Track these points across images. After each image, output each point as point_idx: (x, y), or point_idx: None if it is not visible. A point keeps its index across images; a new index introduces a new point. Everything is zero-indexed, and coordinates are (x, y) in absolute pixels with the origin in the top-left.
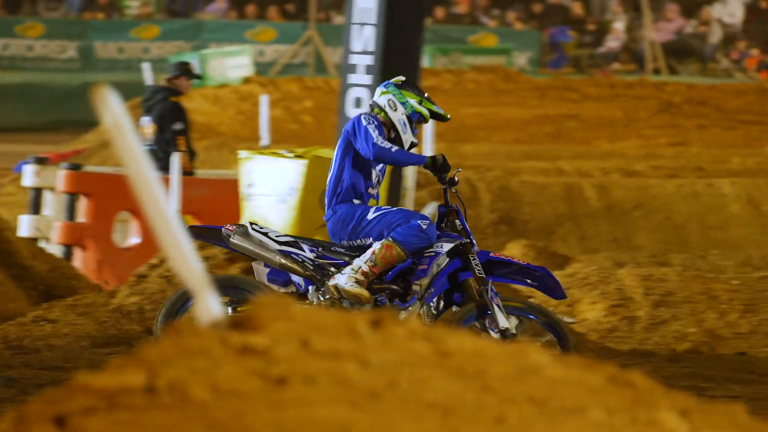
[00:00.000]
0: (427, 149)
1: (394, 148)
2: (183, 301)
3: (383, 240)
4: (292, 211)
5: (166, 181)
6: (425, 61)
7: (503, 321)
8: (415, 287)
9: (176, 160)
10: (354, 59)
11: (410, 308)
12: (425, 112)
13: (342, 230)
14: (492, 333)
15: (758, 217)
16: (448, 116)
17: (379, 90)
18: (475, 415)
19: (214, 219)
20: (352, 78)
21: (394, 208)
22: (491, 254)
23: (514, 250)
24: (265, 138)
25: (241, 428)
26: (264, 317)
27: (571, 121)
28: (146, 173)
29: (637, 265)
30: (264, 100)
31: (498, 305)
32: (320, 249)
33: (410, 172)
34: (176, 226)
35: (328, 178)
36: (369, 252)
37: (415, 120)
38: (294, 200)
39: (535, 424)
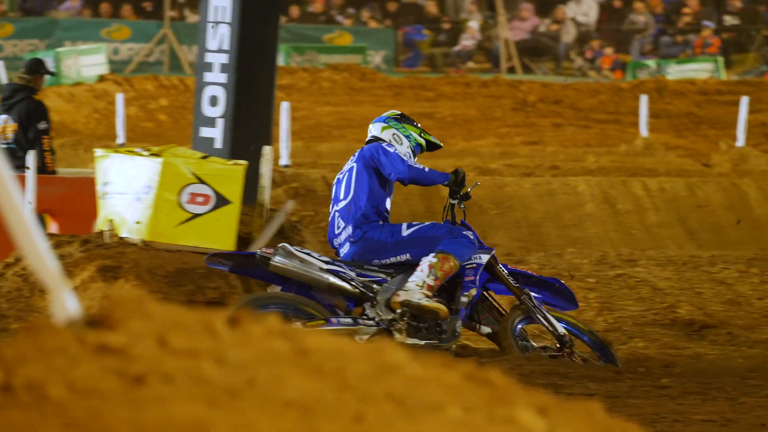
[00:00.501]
0: (283, 147)
1: (426, 168)
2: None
3: (437, 253)
4: (148, 209)
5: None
6: (280, 60)
7: (560, 327)
8: (464, 299)
9: (32, 158)
10: (209, 57)
11: (461, 321)
12: (424, 143)
13: (376, 250)
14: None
15: (613, 215)
16: (441, 144)
17: (378, 125)
18: (334, 414)
19: (70, 218)
20: (208, 76)
21: (425, 224)
22: (509, 266)
23: None
24: (120, 136)
25: (99, 427)
26: (121, 315)
27: (427, 120)
28: (0, 171)
29: None
30: (119, 99)
31: (546, 313)
32: (356, 268)
33: (266, 171)
34: (31, 224)
35: (345, 204)
36: (425, 266)
37: (418, 152)
38: (150, 198)
39: (394, 423)
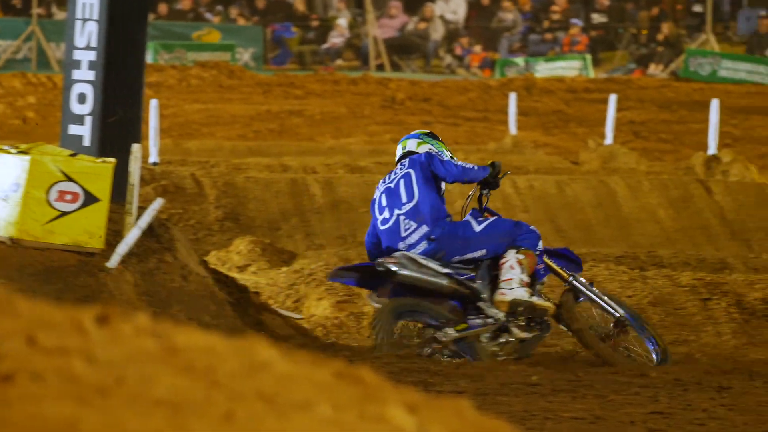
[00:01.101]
0: (152, 145)
1: (476, 166)
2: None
3: (519, 250)
4: (16, 207)
5: None
6: (149, 57)
7: (618, 308)
8: (539, 287)
9: None
10: (77, 55)
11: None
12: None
13: (457, 247)
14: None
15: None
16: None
17: (413, 141)
18: (204, 412)
19: None
20: (76, 74)
21: (492, 218)
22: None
23: (241, 247)
24: None
25: None
26: None
27: (296, 117)
28: None
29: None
30: None
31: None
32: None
33: (135, 168)
34: None
35: (411, 206)
36: (514, 263)
37: None
38: (18, 196)
39: (264, 420)
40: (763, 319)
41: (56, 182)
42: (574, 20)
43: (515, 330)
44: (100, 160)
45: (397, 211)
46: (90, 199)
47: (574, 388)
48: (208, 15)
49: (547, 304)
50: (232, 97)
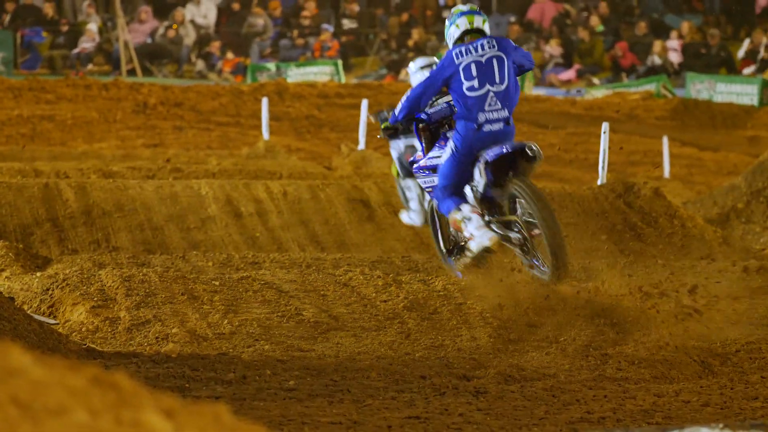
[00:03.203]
0: None
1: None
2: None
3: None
4: None
5: None
6: None
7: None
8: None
9: None
10: None
11: None
12: None
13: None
14: None
15: (236, 217)
16: None
17: (480, 18)
18: None
19: None
20: None
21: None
22: None
23: None
24: None
25: None
26: None
27: (47, 122)
28: None
29: (117, 267)
30: None
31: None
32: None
33: None
34: None
35: (503, 88)
36: None
37: None
38: None
39: (19, 426)
40: (520, 324)
41: None
42: (324, 26)
43: None
44: None
45: (489, 87)
46: None
47: (331, 393)
48: None
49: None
50: None
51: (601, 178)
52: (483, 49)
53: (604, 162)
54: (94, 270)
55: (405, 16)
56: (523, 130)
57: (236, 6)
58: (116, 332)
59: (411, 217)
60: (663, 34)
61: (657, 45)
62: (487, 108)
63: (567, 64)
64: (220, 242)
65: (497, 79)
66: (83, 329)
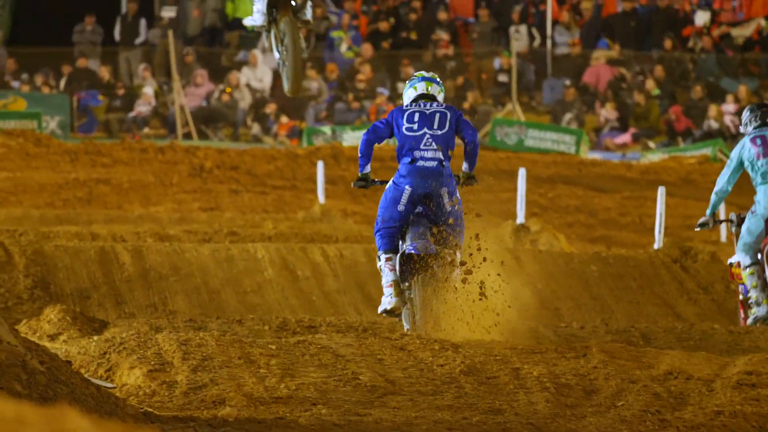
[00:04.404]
0: None
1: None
2: None
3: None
4: None
5: None
6: None
7: None
8: None
9: None
10: None
11: None
12: None
13: (446, 185)
14: None
15: (293, 281)
16: None
17: (437, 87)
18: None
19: None
20: None
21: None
22: None
23: (51, 315)
24: None
25: None
26: None
27: (103, 186)
28: None
29: (174, 330)
30: None
31: None
32: None
33: None
34: None
35: (441, 134)
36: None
37: None
38: None
39: None
40: (577, 389)
41: None
42: (380, 89)
43: None
44: None
45: (426, 130)
46: None
47: None
48: (13, 83)
49: None
50: (39, 165)
51: (658, 242)
52: (430, 106)
53: (660, 226)
54: (151, 333)
55: (460, 80)
56: (579, 194)
57: None
58: (173, 396)
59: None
60: (719, 97)
61: (713, 109)
62: (422, 147)
63: (622, 128)
64: (276, 306)
65: (436, 126)
66: (140, 393)
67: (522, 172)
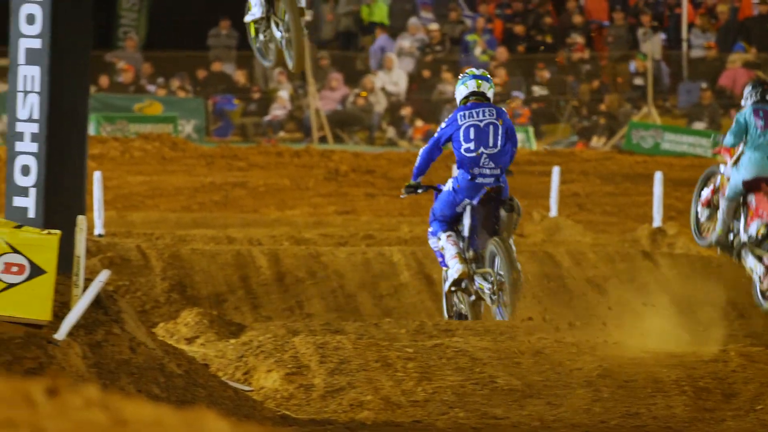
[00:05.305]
0: (97, 217)
1: None
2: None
3: None
4: None
5: None
6: (91, 129)
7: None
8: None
9: None
10: (20, 127)
11: None
12: None
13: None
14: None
15: (428, 284)
16: None
17: (487, 84)
18: None
19: None
20: (19, 146)
21: None
22: None
23: (188, 318)
24: None
25: None
26: None
27: (239, 189)
28: None
29: (311, 333)
30: None
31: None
32: None
33: (81, 240)
34: None
35: (497, 151)
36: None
37: None
38: None
39: None
40: (716, 393)
41: (2, 254)
42: (515, 93)
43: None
44: (45, 231)
45: (483, 150)
46: (36, 270)
47: None
48: (149, 87)
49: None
50: (175, 169)
51: None
52: (483, 115)
53: None
54: (287, 337)
55: (596, 83)
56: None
57: (426, 73)
58: (310, 399)
59: None
60: None
61: None
62: (481, 164)
63: None
64: (412, 309)
65: (491, 143)
66: (277, 396)
67: (658, 176)
